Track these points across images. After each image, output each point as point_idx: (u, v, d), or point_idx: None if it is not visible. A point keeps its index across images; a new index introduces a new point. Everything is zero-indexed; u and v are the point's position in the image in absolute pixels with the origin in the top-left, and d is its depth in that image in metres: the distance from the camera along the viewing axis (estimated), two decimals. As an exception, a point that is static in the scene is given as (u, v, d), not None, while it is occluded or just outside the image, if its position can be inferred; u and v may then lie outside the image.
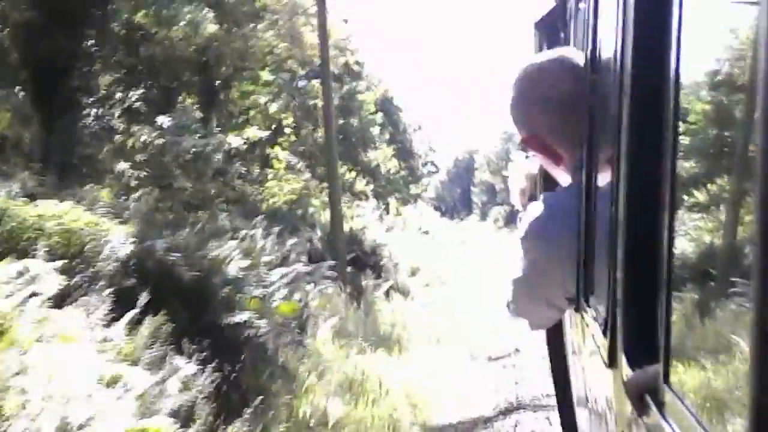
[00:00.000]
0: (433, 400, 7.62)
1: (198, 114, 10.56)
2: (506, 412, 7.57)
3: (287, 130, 18.14)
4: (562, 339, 2.71)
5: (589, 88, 1.46)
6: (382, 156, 24.23)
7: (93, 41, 9.49)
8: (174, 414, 4.07)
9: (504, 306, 1.76)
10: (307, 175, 19.06)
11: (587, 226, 1.42)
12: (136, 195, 9.52)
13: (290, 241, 11.17)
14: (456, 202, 76.71)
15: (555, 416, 3.32)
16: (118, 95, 10.02)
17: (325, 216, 17.50)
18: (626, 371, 0.97)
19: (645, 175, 0.92)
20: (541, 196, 1.68)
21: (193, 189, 10.65)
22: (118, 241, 5.04)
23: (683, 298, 0.87)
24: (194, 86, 14.77)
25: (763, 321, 0.51)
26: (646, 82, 0.92)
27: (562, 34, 2.67)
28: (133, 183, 10.32)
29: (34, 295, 4.11)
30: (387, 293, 12.71)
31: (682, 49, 0.81)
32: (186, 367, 4.51)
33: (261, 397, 5.11)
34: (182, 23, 10.91)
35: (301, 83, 19.32)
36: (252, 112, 16.54)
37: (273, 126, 17.75)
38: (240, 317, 5.22)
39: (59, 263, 4.64)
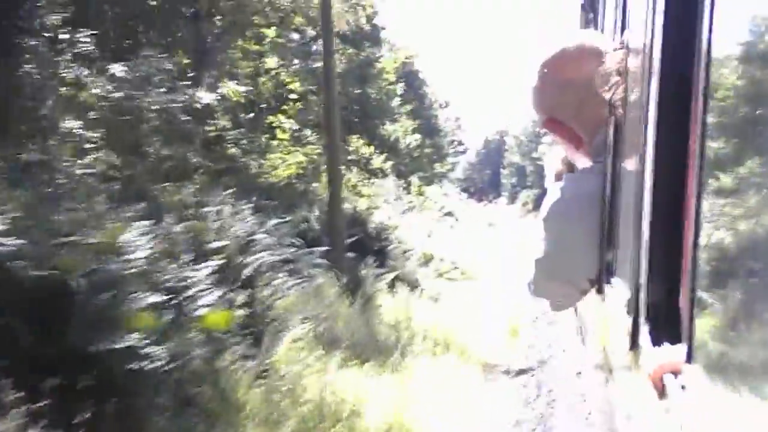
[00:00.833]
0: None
1: (167, 64, 8.59)
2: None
3: (293, 97, 16.11)
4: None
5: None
6: (402, 130, 22.06)
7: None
8: None
9: (525, 286, 1.76)
10: (314, 146, 17.10)
11: (611, 207, 1.44)
12: (84, 161, 7.66)
13: (271, 222, 9.21)
14: (485, 184, 76.44)
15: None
16: (67, 36, 8.10)
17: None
18: (649, 352, 0.97)
19: (672, 157, 0.93)
20: (563, 178, 1.69)
21: (157, 157, 8.74)
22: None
23: (708, 279, 0.84)
24: (184, 42, 12.84)
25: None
26: (675, 65, 0.93)
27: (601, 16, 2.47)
28: (88, 146, 8.40)
29: None
30: (392, 285, 10.73)
31: (714, 32, 0.81)
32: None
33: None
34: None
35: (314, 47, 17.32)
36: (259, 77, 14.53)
37: (279, 91, 15.76)
38: (125, 340, 3.31)
39: None
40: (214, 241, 6.26)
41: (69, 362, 3.25)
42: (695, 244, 0.84)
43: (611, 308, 1.40)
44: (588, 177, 1.62)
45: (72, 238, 3.57)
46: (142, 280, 3.77)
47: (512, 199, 64.91)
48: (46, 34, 8.39)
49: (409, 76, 30.26)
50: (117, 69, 8.06)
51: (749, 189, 0.73)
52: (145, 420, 3.49)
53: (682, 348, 0.86)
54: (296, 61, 17.46)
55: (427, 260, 13.20)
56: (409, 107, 27.92)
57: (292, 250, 9.35)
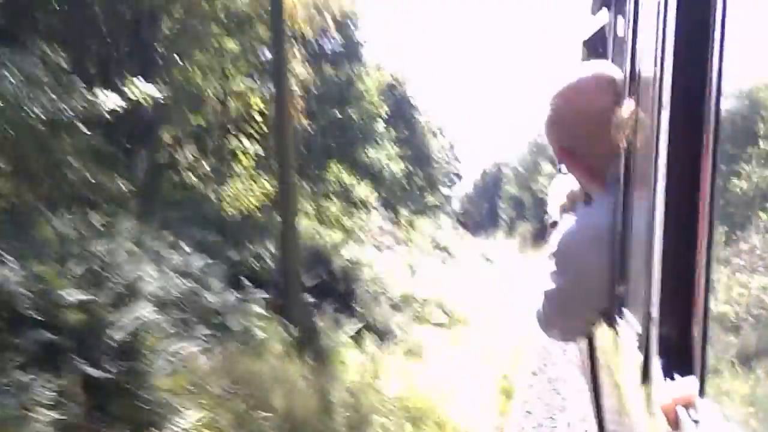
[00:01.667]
0: None
1: (62, 62, 6.71)
2: None
3: (259, 118, 14.26)
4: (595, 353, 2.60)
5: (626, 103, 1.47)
6: (387, 156, 20.20)
7: None
8: None
9: (533, 317, 1.77)
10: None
11: (622, 239, 1.44)
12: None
13: (198, 262, 7.24)
14: (482, 216, 75.17)
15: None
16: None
17: (306, 229, 13.66)
18: (661, 385, 0.98)
19: (683, 189, 0.94)
20: (572, 209, 1.76)
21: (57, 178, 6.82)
22: None
23: (720, 312, 0.85)
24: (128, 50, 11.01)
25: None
26: (686, 98, 0.93)
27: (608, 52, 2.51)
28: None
29: None
30: (358, 337, 8.73)
31: (724, 67, 0.82)
32: None
33: None
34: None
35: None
36: (209, 90, 12.69)
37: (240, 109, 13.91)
38: None
39: None
40: (73, 292, 4.29)
41: None
42: (707, 277, 0.85)
43: (623, 341, 1.42)
44: (601, 209, 1.62)
45: None
46: None
47: (510, 232, 62.87)
48: None
49: (399, 102, 28.59)
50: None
51: (761, 224, 0.74)
52: None
53: (694, 381, 0.88)
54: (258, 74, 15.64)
55: (406, 303, 11.18)
56: (396, 134, 26.18)
57: (229, 296, 7.36)
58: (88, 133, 6.83)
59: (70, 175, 7.25)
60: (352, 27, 18.07)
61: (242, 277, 9.12)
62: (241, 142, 14.43)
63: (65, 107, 6.51)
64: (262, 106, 14.68)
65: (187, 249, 8.18)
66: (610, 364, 1.77)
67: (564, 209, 1.98)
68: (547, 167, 52.28)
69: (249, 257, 9.94)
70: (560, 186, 2.00)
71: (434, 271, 19.08)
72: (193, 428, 4.28)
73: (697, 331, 0.87)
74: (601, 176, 1.65)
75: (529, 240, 54.81)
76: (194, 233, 9.92)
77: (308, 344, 7.84)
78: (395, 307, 10.45)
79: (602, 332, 1.78)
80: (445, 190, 36.18)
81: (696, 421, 0.83)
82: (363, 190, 19.65)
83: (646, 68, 1.22)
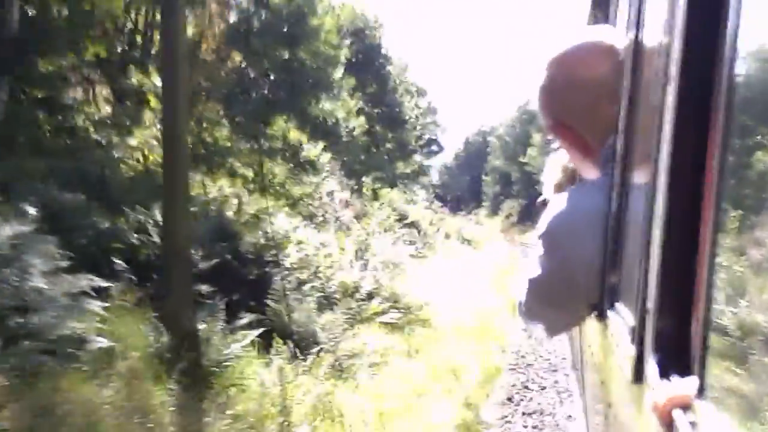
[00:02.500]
0: None
1: None
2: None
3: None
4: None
5: (629, 74, 1.46)
6: (345, 109, 18.20)
7: None
8: None
9: (516, 308, 1.82)
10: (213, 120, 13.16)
11: (616, 225, 1.46)
12: None
13: (19, 228, 5.23)
14: (464, 191, 74.86)
15: None
16: None
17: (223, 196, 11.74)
18: (655, 385, 0.99)
19: (688, 172, 0.95)
20: (566, 190, 1.74)
21: None
22: None
23: (722, 306, 0.88)
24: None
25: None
26: (695, 70, 0.94)
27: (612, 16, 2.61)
28: None
29: None
30: (266, 345, 6.82)
31: (739, 34, 0.83)
32: None
33: None
34: None
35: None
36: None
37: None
38: None
39: None
40: None
41: None
42: (711, 266, 0.87)
43: (614, 336, 1.45)
44: (595, 189, 1.64)
45: None
46: None
47: (494, 209, 62.34)
48: None
49: (368, 50, 26.56)
50: None
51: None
52: None
53: (693, 381, 0.89)
54: None
55: (346, 296, 9.24)
56: (362, 87, 24.21)
57: (55, 284, 5.38)
58: None
59: None
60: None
61: (116, 259, 7.17)
62: (149, 78, 12.34)
63: None
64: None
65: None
66: (598, 361, 1.84)
67: (560, 187, 2.06)
68: (537, 138, 51.45)
69: (129, 229, 7.93)
70: (557, 161, 2.06)
71: (396, 254, 17.30)
72: None
73: (697, 326, 0.90)
74: (596, 154, 1.66)
75: (515, 218, 55.22)
76: (52, 192, 7.91)
77: (183, 358, 5.90)
78: (327, 301, 8.51)
79: (591, 327, 1.88)
80: (419, 159, 34.03)
81: (693, 424, 0.84)
82: (315, 151, 17.64)
83: (652, 35, 1.26)
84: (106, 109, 12.76)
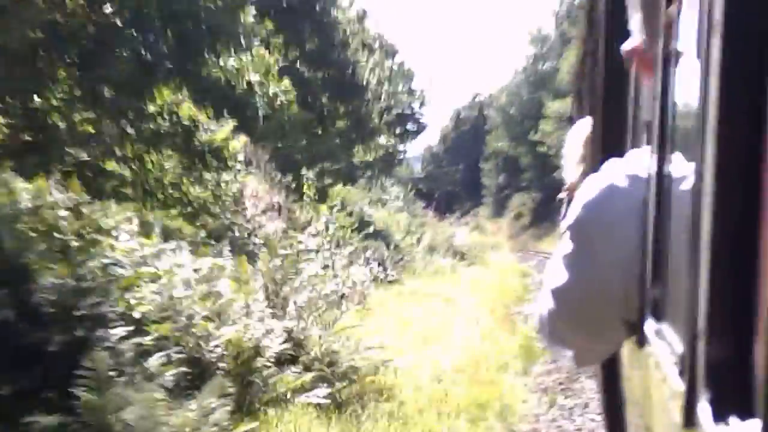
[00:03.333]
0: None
1: None
2: None
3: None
4: (619, 384, 2.98)
5: (663, 32, 1.60)
6: (258, 70, 16.38)
7: None
8: None
9: (536, 331, 1.94)
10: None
11: (657, 221, 1.56)
12: None
13: None
14: (457, 186, 75.58)
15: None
16: None
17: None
18: (710, 428, 1.02)
19: (742, 158, 1.00)
20: (603, 167, 1.82)
21: None
22: None
23: None
24: None
25: None
26: (745, 15, 1.01)
27: None
28: None
29: None
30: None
31: None
32: None
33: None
34: None
35: None
36: None
37: None
38: None
39: None
40: None
41: None
42: None
43: (658, 367, 1.50)
44: (643, 165, 1.73)
45: None
46: None
47: (499, 208, 63.11)
48: None
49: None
50: None
51: None
52: None
53: (755, 425, 0.93)
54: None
55: (240, 361, 7.36)
56: (291, 41, 22.59)
57: None
58: None
59: None
60: None
61: None
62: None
63: None
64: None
65: None
66: (640, 399, 1.95)
67: (583, 161, 2.32)
68: (554, 106, 50.60)
69: None
70: (577, 134, 2.32)
71: (348, 280, 15.54)
72: None
73: (759, 354, 0.92)
74: None
75: (527, 219, 55.71)
76: None
77: None
78: (200, 378, 6.65)
79: (630, 354, 1.98)
80: (390, 142, 32.38)
81: None
82: (220, 133, 15.91)
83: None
84: None
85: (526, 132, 58.10)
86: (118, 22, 14.65)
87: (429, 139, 71.77)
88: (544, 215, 48.66)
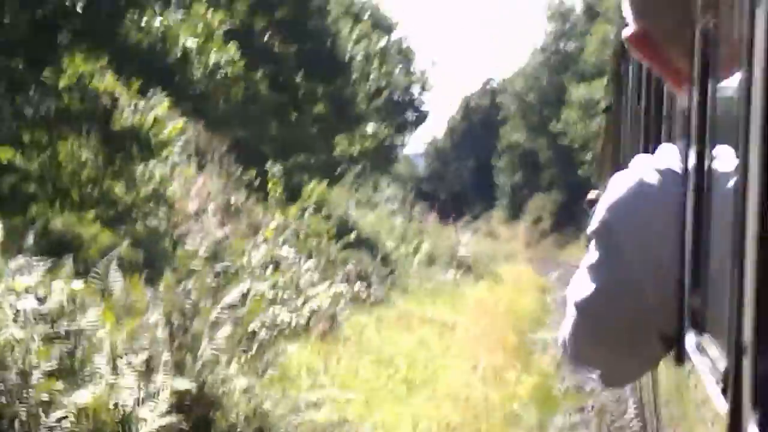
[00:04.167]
0: None
1: None
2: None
3: None
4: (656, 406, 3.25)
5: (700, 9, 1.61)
6: (193, 32, 14.71)
7: None
8: None
9: (560, 347, 1.93)
10: None
11: (696, 220, 1.57)
12: None
13: None
14: (466, 185, 75.62)
15: None
16: None
17: None
18: None
19: None
20: (632, 164, 1.83)
21: None
22: None
23: None
24: None
25: None
26: None
27: None
28: None
29: None
30: None
31: None
32: None
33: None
34: None
35: None
36: None
37: None
38: None
39: None
40: None
41: None
42: None
43: (699, 385, 1.53)
44: (668, 170, 1.75)
45: None
46: None
47: (514, 211, 62.56)
48: None
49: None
50: None
51: None
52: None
53: None
54: None
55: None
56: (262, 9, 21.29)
57: None
58: None
59: None
60: None
61: None
62: None
63: None
64: None
65: None
66: (679, 421, 2.02)
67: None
68: (578, 91, 50.53)
69: None
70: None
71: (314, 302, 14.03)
72: None
73: None
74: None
75: (547, 226, 55.94)
76: None
77: None
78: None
79: (667, 372, 2.08)
80: (380, 129, 30.80)
81: None
82: (152, 114, 14.52)
83: None
84: None
85: (545, 122, 57.92)
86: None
87: (434, 132, 70.79)
88: (568, 219, 48.28)
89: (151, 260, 12.72)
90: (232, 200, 18.80)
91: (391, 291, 20.90)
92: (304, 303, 13.56)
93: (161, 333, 7.49)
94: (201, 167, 19.54)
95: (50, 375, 6.04)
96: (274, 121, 23.67)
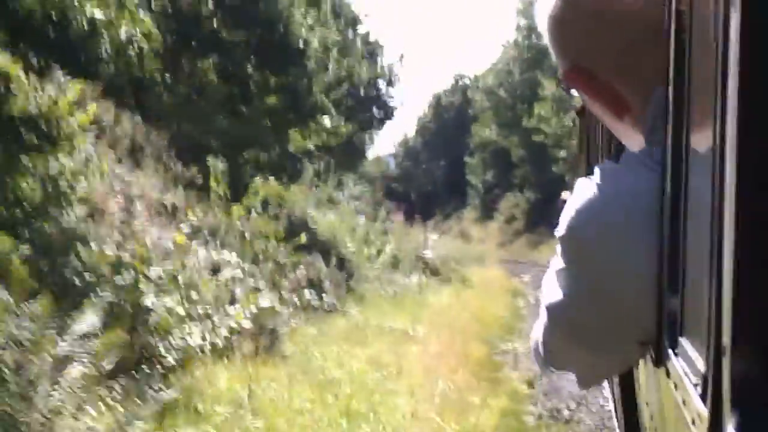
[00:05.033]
0: None
1: None
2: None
3: None
4: (636, 408, 3.19)
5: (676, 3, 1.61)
6: None
7: None
8: None
9: (532, 351, 1.94)
10: None
11: (673, 222, 1.56)
12: None
13: None
14: (438, 185, 76.05)
15: None
16: None
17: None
18: None
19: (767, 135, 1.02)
20: (597, 169, 1.83)
21: None
22: None
23: None
24: None
25: None
26: None
27: None
28: None
29: None
30: None
31: None
32: None
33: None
34: None
35: None
36: None
37: None
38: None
39: None
40: None
41: None
42: None
43: (678, 388, 1.52)
44: (640, 166, 1.73)
45: None
46: None
47: (487, 210, 62.19)
48: None
49: None
50: None
51: None
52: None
53: None
54: None
55: None
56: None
57: None
58: None
59: None
60: None
61: None
62: None
63: None
64: None
65: None
66: (659, 424, 2.00)
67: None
68: (552, 85, 50.42)
69: None
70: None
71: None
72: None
73: None
74: (637, 113, 1.80)
75: (521, 225, 55.71)
76: None
77: None
78: None
79: (647, 373, 2.03)
80: (341, 124, 29.09)
81: None
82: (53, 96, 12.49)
83: None
84: None
85: (518, 118, 57.60)
86: None
87: (406, 131, 71.36)
88: (541, 218, 47.53)
89: (60, 269, 10.99)
90: (167, 200, 16.99)
91: (347, 298, 19.31)
92: (230, 317, 11.62)
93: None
94: (136, 163, 17.91)
95: None
96: (223, 113, 22.27)
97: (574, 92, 1.95)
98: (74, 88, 12.51)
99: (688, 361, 1.40)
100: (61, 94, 12.35)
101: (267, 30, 23.40)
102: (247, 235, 17.56)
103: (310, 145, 25.74)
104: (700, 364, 1.27)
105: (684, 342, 1.47)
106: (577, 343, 1.74)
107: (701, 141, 1.40)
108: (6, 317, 5.91)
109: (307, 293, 17.13)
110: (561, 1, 1.81)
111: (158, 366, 8.35)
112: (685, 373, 1.40)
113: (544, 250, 40.35)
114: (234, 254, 15.99)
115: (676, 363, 1.50)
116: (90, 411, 5.86)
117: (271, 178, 22.23)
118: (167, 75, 21.81)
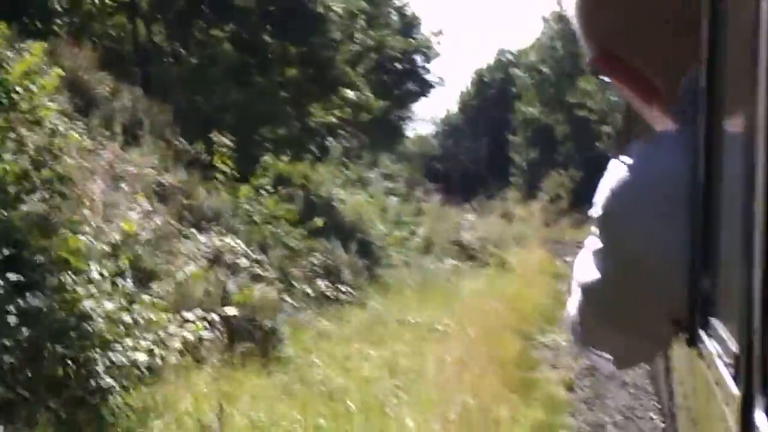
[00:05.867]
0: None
1: None
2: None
3: None
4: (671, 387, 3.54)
5: None
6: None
7: None
8: None
9: (569, 332, 1.93)
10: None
11: (705, 204, 1.58)
12: None
13: None
14: (480, 164, 75.17)
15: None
16: None
17: None
18: None
19: None
20: (631, 149, 1.86)
21: None
22: None
23: None
24: None
25: None
26: None
27: None
28: None
29: None
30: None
31: None
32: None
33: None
34: None
35: None
36: None
37: None
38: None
39: None
40: None
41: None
42: None
43: (711, 369, 1.55)
44: (670, 149, 1.74)
45: None
46: None
47: (531, 189, 61.38)
48: None
49: None
50: None
51: None
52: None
53: None
54: None
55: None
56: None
57: None
58: None
59: None
60: None
61: None
62: None
63: None
64: None
65: None
66: (693, 404, 2.01)
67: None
68: None
69: None
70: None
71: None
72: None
73: None
74: (668, 97, 1.79)
75: (565, 204, 55.05)
76: None
77: None
78: None
79: (680, 354, 2.01)
80: (347, 96, 27.52)
81: None
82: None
83: None
84: None
85: (562, 94, 57.34)
86: None
87: (447, 107, 70.95)
88: (586, 197, 45.43)
89: (29, 260, 9.25)
90: (165, 180, 15.19)
91: (368, 287, 17.71)
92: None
93: None
94: (135, 138, 16.15)
95: None
96: (236, 86, 20.68)
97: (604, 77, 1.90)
98: (35, 47, 10.66)
99: (720, 342, 1.40)
100: (18, 56, 10.56)
101: (284, -5, 21.88)
102: (256, 218, 15.99)
103: (332, 119, 24.19)
104: (732, 346, 1.27)
105: (716, 323, 1.47)
106: (611, 323, 1.75)
107: (735, 124, 1.37)
108: None
109: (321, 283, 15.50)
110: None
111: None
112: (718, 354, 1.41)
113: (588, 230, 39.12)
114: (240, 240, 14.31)
115: (708, 344, 1.52)
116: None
117: (290, 155, 20.67)
118: (176, 43, 20.30)
